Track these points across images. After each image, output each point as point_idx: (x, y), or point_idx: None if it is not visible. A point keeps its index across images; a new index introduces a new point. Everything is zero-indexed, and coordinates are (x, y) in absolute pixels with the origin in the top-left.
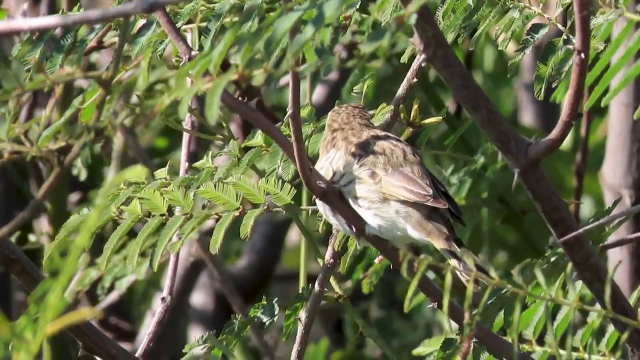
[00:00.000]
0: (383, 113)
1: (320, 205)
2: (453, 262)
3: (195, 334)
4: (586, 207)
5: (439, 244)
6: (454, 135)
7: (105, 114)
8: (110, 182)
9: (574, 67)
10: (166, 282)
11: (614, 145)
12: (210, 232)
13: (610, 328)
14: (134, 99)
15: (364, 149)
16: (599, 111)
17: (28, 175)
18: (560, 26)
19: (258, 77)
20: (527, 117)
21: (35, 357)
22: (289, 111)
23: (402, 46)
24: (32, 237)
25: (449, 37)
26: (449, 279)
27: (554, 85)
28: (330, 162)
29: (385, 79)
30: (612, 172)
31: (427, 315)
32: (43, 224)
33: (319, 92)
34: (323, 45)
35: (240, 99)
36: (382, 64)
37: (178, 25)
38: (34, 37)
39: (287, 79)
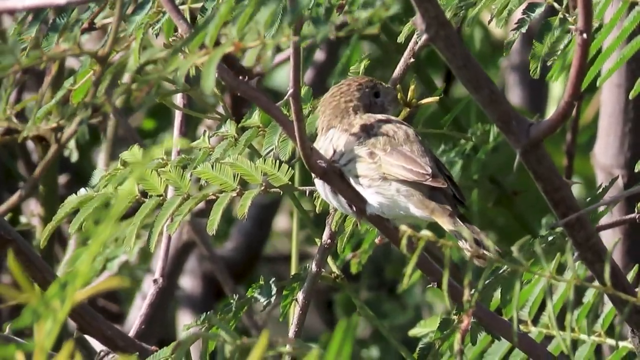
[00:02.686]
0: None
1: (320, 185)
2: (460, 242)
3: (184, 317)
4: (577, 188)
5: (443, 222)
6: (450, 115)
7: (99, 93)
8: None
9: (576, 47)
10: (158, 264)
11: (606, 126)
12: (200, 213)
13: (606, 309)
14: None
15: (365, 130)
16: (587, 90)
17: (16, 156)
18: (557, 5)
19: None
20: (514, 98)
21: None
22: (290, 90)
23: (395, 10)
24: (22, 219)
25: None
26: (448, 255)
27: (548, 63)
28: (330, 141)
29: (376, 60)
30: (604, 152)
31: (417, 297)
32: (33, 206)
33: (308, 73)
34: (319, 14)
35: (240, 78)
36: (378, 30)
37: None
38: (29, 17)
39: (277, 59)
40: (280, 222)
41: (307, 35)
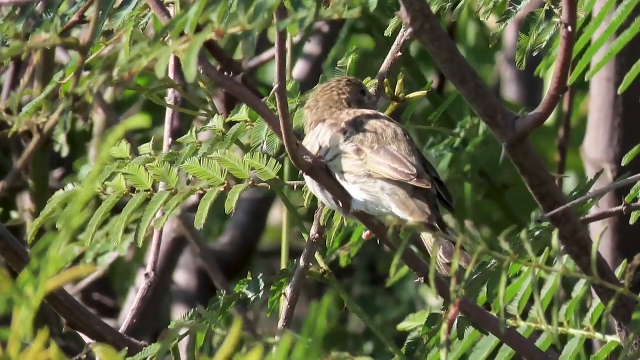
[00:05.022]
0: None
1: (308, 180)
2: (433, 243)
3: (179, 312)
4: (569, 183)
5: (421, 225)
6: (439, 110)
7: (86, 85)
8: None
9: (561, 41)
10: (150, 258)
11: (595, 120)
12: (192, 209)
13: (595, 303)
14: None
15: (353, 127)
16: (582, 86)
17: (10, 152)
18: None
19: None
20: (510, 93)
21: None
22: (275, 85)
23: None
24: (14, 215)
25: (432, 10)
26: (435, 250)
27: (535, 54)
28: (316, 137)
29: (368, 54)
30: (594, 146)
31: (411, 292)
32: (25, 202)
33: (302, 68)
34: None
35: (226, 74)
36: (358, 14)
37: None
38: (16, 12)
39: (269, 54)
40: (277, 217)
41: (288, 20)
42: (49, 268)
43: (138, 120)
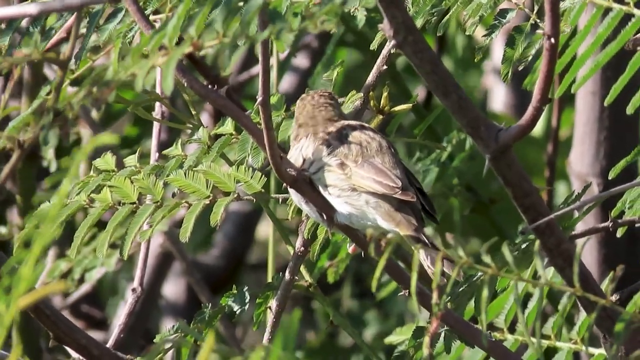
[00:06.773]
0: (352, 100)
1: (292, 193)
2: (420, 253)
3: (168, 325)
4: (561, 194)
5: (408, 235)
6: (424, 123)
7: (66, 101)
8: (81, 151)
9: (544, 53)
10: (136, 273)
11: (581, 134)
12: (179, 224)
13: (582, 316)
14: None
15: (338, 140)
16: (571, 99)
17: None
18: (527, 11)
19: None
20: (499, 104)
21: (5, 348)
22: (259, 98)
23: (352, 4)
24: (2, 229)
25: (418, 23)
26: (416, 262)
27: (520, 68)
28: (300, 150)
29: (355, 66)
30: (580, 160)
31: (400, 305)
32: (15, 216)
33: (290, 80)
34: (277, 10)
35: (210, 87)
36: (336, 25)
37: (147, 12)
38: (2, 26)
39: (258, 68)
40: (266, 228)
41: (265, 32)
42: (20, 286)
43: (107, 137)
